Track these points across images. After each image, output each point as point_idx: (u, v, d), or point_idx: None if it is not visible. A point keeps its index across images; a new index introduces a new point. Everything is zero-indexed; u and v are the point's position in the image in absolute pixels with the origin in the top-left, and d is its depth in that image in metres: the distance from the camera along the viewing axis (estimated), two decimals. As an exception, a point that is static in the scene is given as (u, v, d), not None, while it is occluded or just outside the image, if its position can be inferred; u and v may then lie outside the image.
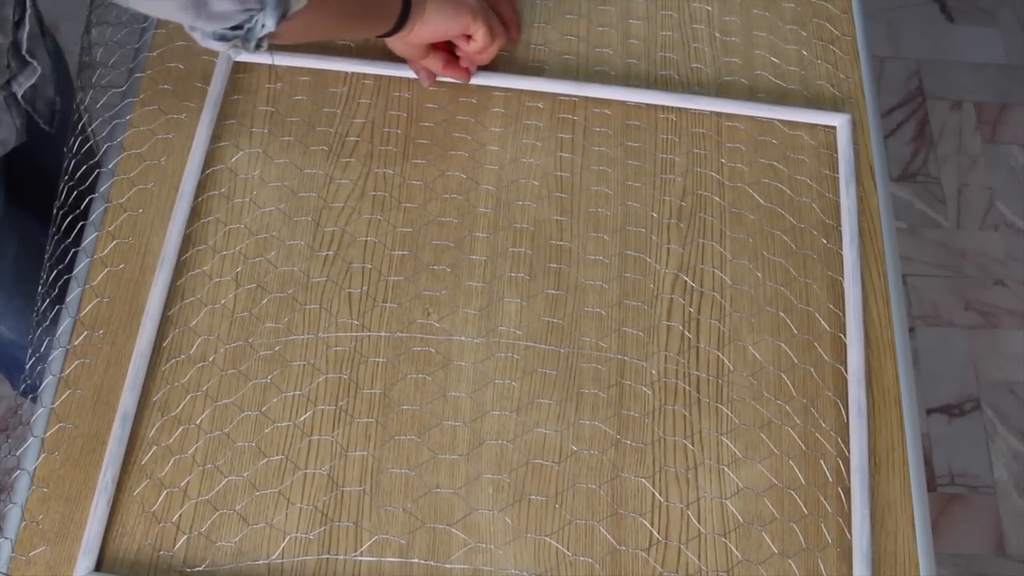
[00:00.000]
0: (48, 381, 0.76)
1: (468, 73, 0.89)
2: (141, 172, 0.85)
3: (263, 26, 0.67)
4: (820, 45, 0.96)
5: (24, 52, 0.82)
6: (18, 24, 0.80)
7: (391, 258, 0.83)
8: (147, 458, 0.74)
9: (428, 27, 0.82)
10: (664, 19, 0.98)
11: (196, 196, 0.84)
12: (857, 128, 0.92)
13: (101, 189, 0.84)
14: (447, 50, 0.88)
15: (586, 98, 0.91)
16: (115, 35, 0.90)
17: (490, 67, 0.91)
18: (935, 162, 1.92)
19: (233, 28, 0.67)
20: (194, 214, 0.83)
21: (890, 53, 2.05)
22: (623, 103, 0.91)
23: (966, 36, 2.08)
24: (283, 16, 0.67)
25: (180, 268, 0.81)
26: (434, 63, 0.87)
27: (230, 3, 0.64)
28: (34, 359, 0.77)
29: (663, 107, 0.91)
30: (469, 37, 0.86)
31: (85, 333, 0.78)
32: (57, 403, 0.75)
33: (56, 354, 0.77)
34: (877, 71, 2.00)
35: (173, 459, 0.74)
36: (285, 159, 0.87)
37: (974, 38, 2.08)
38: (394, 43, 0.86)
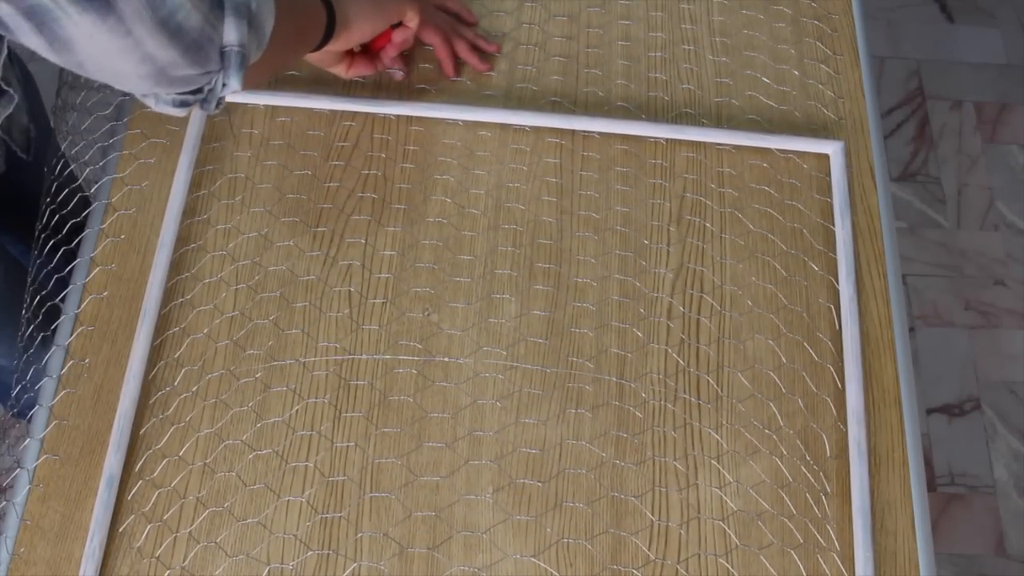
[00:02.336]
0: (37, 410, 0.76)
1: (375, 67, 0.88)
2: (124, 197, 0.85)
3: (225, 85, 0.65)
4: (819, 46, 0.96)
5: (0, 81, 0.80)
6: None
7: (387, 232, 0.83)
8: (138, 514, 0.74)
9: (354, 33, 0.81)
10: (655, 20, 0.98)
11: (185, 200, 0.84)
12: (856, 135, 0.92)
13: (96, 204, 0.85)
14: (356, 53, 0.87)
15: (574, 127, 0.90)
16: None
17: (481, 101, 0.90)
18: (935, 162, 1.92)
19: (193, 92, 0.65)
20: (188, 210, 0.84)
21: (890, 53, 2.04)
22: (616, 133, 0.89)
23: (966, 36, 2.08)
24: (244, 71, 0.64)
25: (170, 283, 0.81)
26: (340, 70, 0.86)
27: (191, 67, 0.61)
28: (20, 386, 0.76)
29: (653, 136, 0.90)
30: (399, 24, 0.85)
31: (72, 362, 0.77)
32: (55, 401, 0.76)
33: (48, 373, 0.77)
34: (877, 71, 2.00)
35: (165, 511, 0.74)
36: (276, 161, 0.87)
37: (974, 38, 2.08)
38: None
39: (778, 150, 0.89)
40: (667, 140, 0.89)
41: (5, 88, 0.81)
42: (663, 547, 0.73)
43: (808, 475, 0.76)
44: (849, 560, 0.73)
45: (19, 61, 0.92)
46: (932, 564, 0.73)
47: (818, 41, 0.97)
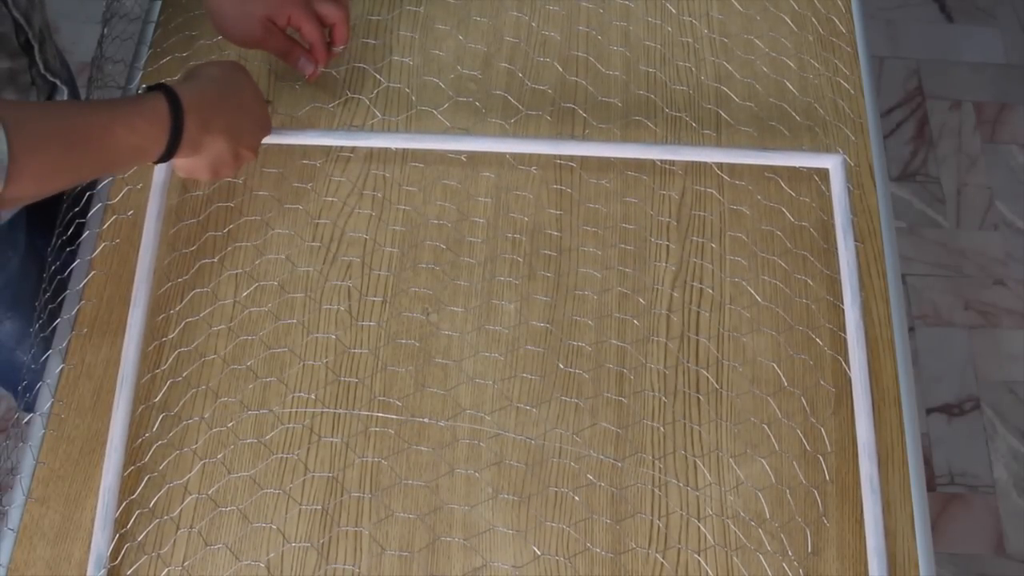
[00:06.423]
0: (42, 385, 0.76)
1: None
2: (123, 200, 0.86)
3: None
4: (819, 45, 0.96)
5: (44, 71, 0.82)
6: (43, 44, 0.80)
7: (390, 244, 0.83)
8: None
9: (194, 173, 0.78)
10: (653, 26, 0.98)
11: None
12: (856, 135, 0.92)
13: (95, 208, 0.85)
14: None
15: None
16: (115, 49, 0.90)
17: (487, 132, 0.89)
18: (934, 162, 1.92)
19: None
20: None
21: (890, 53, 2.04)
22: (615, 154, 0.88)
23: (966, 36, 2.08)
24: None
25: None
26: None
27: None
28: (31, 377, 0.77)
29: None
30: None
31: (77, 333, 0.78)
32: (54, 405, 0.76)
33: (53, 357, 0.77)
34: (877, 71, 2.00)
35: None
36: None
37: (973, 38, 2.08)
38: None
39: (781, 166, 0.88)
40: (661, 161, 0.89)
41: (51, 78, 0.83)
42: (663, 545, 0.73)
43: (809, 472, 0.76)
44: (848, 559, 0.73)
45: (65, 63, 0.93)
46: (932, 564, 0.73)
47: (818, 41, 0.97)
